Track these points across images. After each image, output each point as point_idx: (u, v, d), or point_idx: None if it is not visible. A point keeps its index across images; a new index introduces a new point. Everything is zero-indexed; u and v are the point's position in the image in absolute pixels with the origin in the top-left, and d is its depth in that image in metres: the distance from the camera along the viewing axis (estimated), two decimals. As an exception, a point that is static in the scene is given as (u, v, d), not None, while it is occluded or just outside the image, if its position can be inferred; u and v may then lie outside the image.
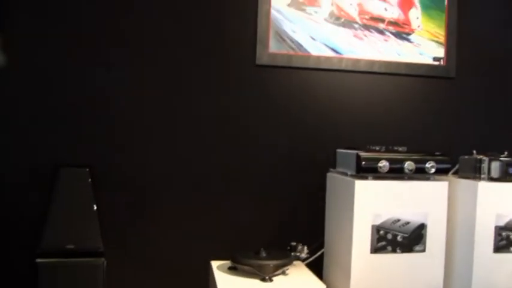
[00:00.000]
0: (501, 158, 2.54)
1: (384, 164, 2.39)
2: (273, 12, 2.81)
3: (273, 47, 2.82)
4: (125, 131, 2.70)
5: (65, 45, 2.63)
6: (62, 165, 2.42)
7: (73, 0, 2.63)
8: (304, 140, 2.89)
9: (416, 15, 2.98)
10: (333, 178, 2.70)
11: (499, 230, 2.48)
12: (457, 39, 3.05)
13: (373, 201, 2.40)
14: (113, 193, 2.67)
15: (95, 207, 2.37)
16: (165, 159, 2.74)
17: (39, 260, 2.27)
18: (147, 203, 2.72)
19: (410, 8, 2.98)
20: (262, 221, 2.85)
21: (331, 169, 2.75)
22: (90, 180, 2.39)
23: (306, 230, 2.85)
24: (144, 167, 2.72)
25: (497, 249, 2.48)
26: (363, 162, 2.39)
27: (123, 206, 2.69)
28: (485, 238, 2.47)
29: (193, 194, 2.77)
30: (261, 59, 2.81)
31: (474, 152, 2.62)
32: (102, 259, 2.34)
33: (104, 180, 2.61)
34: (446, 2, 3.03)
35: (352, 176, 2.47)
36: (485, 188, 2.47)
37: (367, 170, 2.40)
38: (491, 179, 2.51)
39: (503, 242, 2.49)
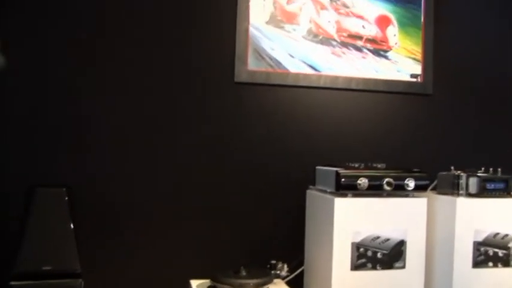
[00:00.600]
0: (478, 174, 2.57)
1: (363, 181, 2.39)
2: (251, 29, 2.82)
3: (252, 64, 2.82)
4: (104, 151, 2.67)
5: (43, 65, 2.60)
6: (38, 185, 2.37)
7: (53, 33, 2.62)
8: (283, 157, 2.88)
9: (393, 32, 3.02)
10: (313, 195, 2.69)
11: (477, 245, 2.49)
12: (434, 56, 3.09)
13: (353, 218, 2.39)
14: (90, 213, 2.63)
15: (72, 228, 2.32)
16: (143, 178, 2.72)
17: (13, 283, 2.21)
18: (124, 223, 2.69)
19: (387, 25, 3.01)
20: (242, 239, 2.83)
21: (311, 186, 2.74)
22: (67, 200, 2.35)
23: (285, 248, 2.83)
24: (122, 187, 2.69)
25: (476, 264, 2.49)
26: (342, 180, 2.39)
27: (100, 226, 2.65)
28: (464, 253, 2.48)
29: (172, 213, 2.74)
30: (240, 76, 2.81)
31: (452, 168, 2.65)
32: (80, 280, 2.29)
33: (81, 200, 2.57)
34: (422, 20, 3.06)
35: (331, 193, 2.47)
36: (463, 204, 2.49)
37: (346, 188, 2.40)
38: (469, 195, 2.53)
39: (482, 257, 2.50)
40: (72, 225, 2.33)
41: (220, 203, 2.80)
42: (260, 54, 2.83)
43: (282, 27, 2.86)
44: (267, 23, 2.85)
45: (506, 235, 2.53)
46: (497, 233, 2.53)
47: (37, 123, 2.59)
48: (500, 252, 2.52)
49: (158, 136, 2.74)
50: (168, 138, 2.75)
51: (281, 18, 2.86)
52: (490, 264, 2.52)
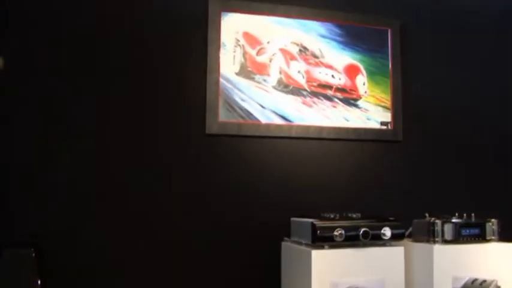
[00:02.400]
0: (453, 220, 2.59)
1: (339, 233, 2.37)
2: (221, 81, 2.82)
3: (223, 115, 2.80)
4: (76, 211, 2.60)
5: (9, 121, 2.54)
6: (4, 245, 2.28)
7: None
8: (257, 209, 2.84)
9: (362, 81, 3.05)
10: (288, 247, 2.65)
11: (456, 292, 2.48)
12: (403, 103, 3.12)
13: (330, 270, 2.35)
14: (60, 276, 2.52)
15: (40, 288, 2.24)
16: (115, 237, 2.63)
17: None
18: (96, 283, 2.58)
19: (356, 74, 3.04)
20: (216, 294, 2.76)
21: (286, 238, 2.70)
22: (35, 261, 2.26)
23: (262, 302, 2.77)
24: (93, 247, 2.60)
25: (455, 312, 2.47)
26: (318, 232, 2.36)
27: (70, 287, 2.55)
28: (443, 302, 2.46)
29: (145, 269, 2.66)
30: (211, 128, 2.78)
31: (427, 214, 2.65)
32: None
33: (51, 262, 2.47)
34: (390, 68, 3.11)
35: (307, 245, 2.43)
36: (440, 251, 2.49)
37: (322, 239, 2.36)
38: (445, 242, 2.53)
39: (461, 305, 2.48)
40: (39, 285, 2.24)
41: (193, 255, 2.73)
42: (231, 105, 2.82)
43: (252, 78, 2.87)
44: (237, 74, 2.85)
45: (484, 281, 2.51)
46: (475, 279, 2.51)
47: (5, 180, 2.51)
48: (480, 299, 2.51)
49: (128, 191, 2.68)
50: (139, 193, 2.69)
51: (251, 69, 2.87)
52: (470, 311, 2.50)
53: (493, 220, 2.64)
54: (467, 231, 2.58)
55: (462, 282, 2.49)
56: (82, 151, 2.64)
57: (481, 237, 2.60)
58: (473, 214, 2.64)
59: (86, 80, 2.67)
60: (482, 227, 2.61)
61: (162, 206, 2.71)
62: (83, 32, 2.69)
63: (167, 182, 2.74)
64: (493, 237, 2.62)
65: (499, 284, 2.51)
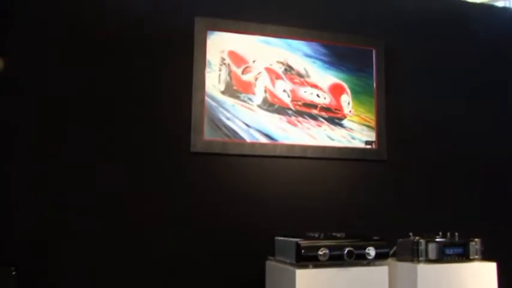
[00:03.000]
0: (437, 239, 2.61)
1: (324, 252, 2.36)
2: (207, 99, 2.82)
3: (208, 134, 2.80)
4: (57, 230, 2.56)
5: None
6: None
7: None
8: (242, 227, 2.82)
9: (347, 100, 3.07)
10: (272, 267, 2.63)
11: (440, 312, 2.48)
12: (387, 122, 3.14)
13: (315, 290, 2.35)
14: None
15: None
16: (97, 255, 2.60)
17: None
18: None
19: (341, 93, 3.06)
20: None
21: (270, 257, 2.68)
22: (15, 281, 2.23)
23: (246, 322, 2.75)
24: (73, 270, 2.57)
25: (440, 332, 2.47)
26: (303, 251, 2.35)
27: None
28: (427, 322, 2.46)
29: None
30: (196, 146, 2.78)
31: (411, 234, 2.66)
32: None
33: (31, 281, 2.44)
34: (374, 88, 3.13)
35: (292, 264, 2.42)
36: (424, 270, 2.50)
37: (307, 259, 2.36)
38: (429, 261, 2.55)
39: (445, 325, 2.49)
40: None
41: (175, 274, 2.70)
42: (216, 124, 2.82)
43: (237, 97, 2.87)
44: (223, 92, 2.85)
45: None
46: (459, 299, 2.53)
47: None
48: (464, 319, 2.52)
49: (112, 209, 2.65)
50: (123, 211, 2.66)
51: (237, 88, 2.88)
52: (454, 331, 2.50)
53: (476, 239, 2.65)
54: (451, 250, 2.60)
55: (446, 302, 2.50)
56: (66, 169, 2.61)
57: (464, 257, 2.62)
58: (456, 233, 2.66)
59: (74, 99, 2.67)
60: (465, 246, 2.63)
61: (145, 224, 2.69)
62: (70, 53, 2.69)
63: (150, 200, 2.71)
64: (476, 257, 2.64)
65: (482, 303, 2.53)
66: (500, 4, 3.66)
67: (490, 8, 3.71)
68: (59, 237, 2.56)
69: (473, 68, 3.46)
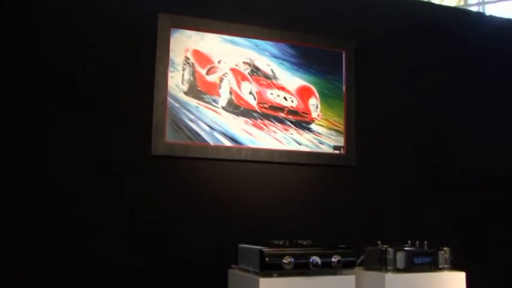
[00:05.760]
0: (406, 248, 2.58)
1: (288, 261, 2.30)
2: (169, 100, 2.71)
3: (170, 136, 2.69)
4: (14, 237, 2.44)
5: None
6: None
7: None
8: (203, 234, 2.73)
9: (315, 104, 2.99)
10: (235, 275, 2.56)
11: (407, 323, 2.45)
12: (356, 128, 3.08)
13: (279, 299, 2.28)
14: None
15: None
16: (56, 258, 2.47)
17: None
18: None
19: (309, 97, 2.99)
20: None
21: (233, 265, 2.60)
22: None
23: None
24: (35, 272, 2.44)
25: None
26: (267, 259, 2.28)
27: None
28: (394, 333, 2.43)
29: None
30: (157, 149, 2.67)
31: (379, 242, 2.63)
32: None
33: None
34: (344, 91, 3.06)
35: (255, 273, 2.34)
36: (392, 280, 2.48)
37: (271, 267, 2.29)
38: (398, 270, 2.51)
39: (412, 336, 2.46)
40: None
41: (133, 284, 2.58)
42: (178, 126, 2.71)
43: (201, 98, 2.77)
44: (186, 93, 2.75)
45: None
46: (427, 309, 2.50)
47: None
48: (431, 329, 2.49)
49: (69, 210, 2.53)
50: (81, 213, 2.55)
51: (201, 89, 2.78)
52: None
53: (445, 248, 2.63)
54: (420, 259, 2.56)
55: (414, 312, 2.48)
56: (14, 169, 2.48)
57: (433, 266, 2.59)
58: (426, 242, 2.63)
59: (28, 94, 2.53)
60: (434, 255, 2.60)
61: (103, 228, 2.58)
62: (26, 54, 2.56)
63: (108, 204, 2.60)
64: (445, 266, 2.61)
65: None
66: (474, 9, 3.65)
67: (460, 11, 3.70)
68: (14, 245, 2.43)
69: (445, 71, 3.42)
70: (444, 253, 2.61)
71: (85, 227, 2.55)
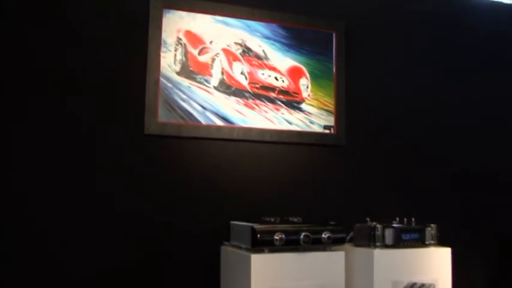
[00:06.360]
0: (394, 225, 2.62)
1: (280, 237, 2.33)
2: (162, 80, 2.73)
3: (162, 116, 2.72)
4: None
5: None
6: None
7: None
8: (196, 212, 2.76)
9: (306, 84, 3.02)
10: (227, 252, 2.59)
11: (395, 297, 2.49)
12: (346, 107, 3.11)
13: (270, 275, 2.31)
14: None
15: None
16: (44, 249, 2.51)
17: None
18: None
19: (300, 77, 3.01)
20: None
21: (225, 242, 2.63)
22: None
23: (200, 309, 2.69)
24: (25, 256, 2.47)
25: (395, 316, 2.49)
26: (258, 236, 2.31)
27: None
28: (382, 306, 2.47)
29: (83, 268, 2.53)
30: (150, 128, 2.69)
31: (368, 219, 2.67)
32: None
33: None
34: (334, 72, 3.09)
35: (247, 249, 2.38)
36: (380, 256, 2.52)
37: (262, 243, 2.33)
38: (386, 246, 2.56)
39: (400, 309, 2.50)
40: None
41: (127, 263, 2.62)
42: (171, 105, 2.74)
43: (193, 78, 2.80)
44: (178, 73, 2.77)
45: (423, 285, 2.57)
46: (414, 283, 2.56)
47: None
48: (418, 303, 2.54)
49: (61, 190, 2.56)
50: (72, 193, 2.57)
51: (193, 69, 2.80)
52: (409, 315, 2.52)
53: (432, 225, 2.68)
54: (408, 236, 2.61)
55: (401, 287, 2.52)
56: (12, 153, 2.51)
57: (420, 242, 2.64)
58: (413, 219, 2.68)
59: (17, 76, 2.54)
60: (421, 231, 2.65)
61: (95, 207, 2.60)
62: (14, 26, 2.56)
63: (101, 183, 2.63)
64: (432, 242, 2.66)
65: (436, 288, 2.54)
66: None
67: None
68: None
69: (437, 52, 3.45)
70: (431, 229, 2.66)
71: (78, 207, 2.58)
